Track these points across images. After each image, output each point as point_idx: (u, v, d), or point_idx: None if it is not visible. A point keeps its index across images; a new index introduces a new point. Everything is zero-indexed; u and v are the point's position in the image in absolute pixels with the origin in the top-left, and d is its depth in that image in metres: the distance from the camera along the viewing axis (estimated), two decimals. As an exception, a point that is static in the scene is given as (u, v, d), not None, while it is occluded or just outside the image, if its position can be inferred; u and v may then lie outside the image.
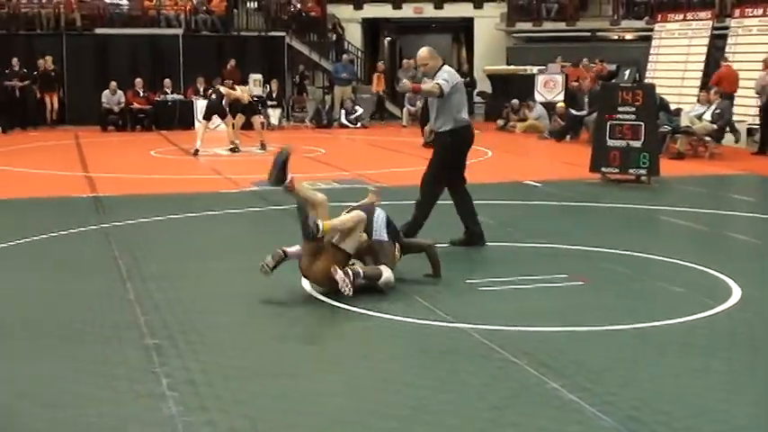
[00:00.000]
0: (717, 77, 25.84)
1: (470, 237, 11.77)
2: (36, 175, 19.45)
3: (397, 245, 9.70)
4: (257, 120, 25.36)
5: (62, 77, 32.52)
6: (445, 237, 11.55)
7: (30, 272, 10.57)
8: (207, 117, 24.45)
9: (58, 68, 32.26)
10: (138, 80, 31.86)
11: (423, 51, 11.55)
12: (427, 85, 11.43)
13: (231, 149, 23.64)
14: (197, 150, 23.18)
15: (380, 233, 9.52)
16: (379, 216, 9.60)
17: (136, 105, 31.60)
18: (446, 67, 11.49)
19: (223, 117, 24.52)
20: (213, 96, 24.14)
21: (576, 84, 29.38)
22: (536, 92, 32.12)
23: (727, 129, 23.15)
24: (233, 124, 24.40)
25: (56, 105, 32.03)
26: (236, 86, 26.03)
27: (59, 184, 17.89)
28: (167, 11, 35.07)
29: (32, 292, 9.57)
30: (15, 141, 26.65)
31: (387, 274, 9.32)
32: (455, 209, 11.86)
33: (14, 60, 30.90)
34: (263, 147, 23.88)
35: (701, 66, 28.17)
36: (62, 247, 11.91)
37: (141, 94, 31.77)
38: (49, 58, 31.68)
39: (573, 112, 27.66)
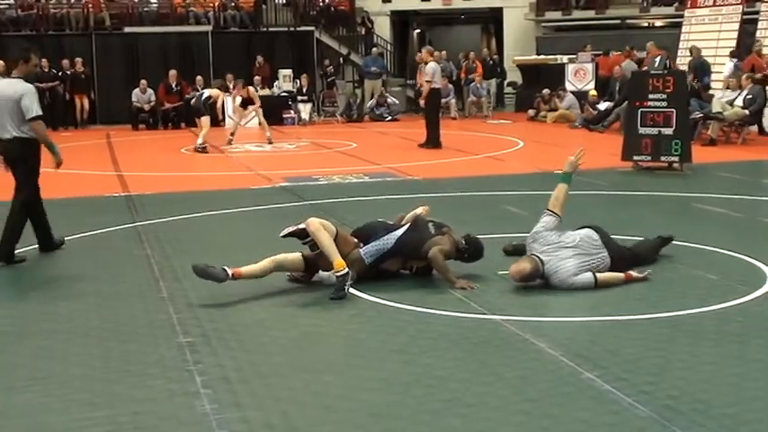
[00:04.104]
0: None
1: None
2: (68, 175, 19.45)
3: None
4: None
5: (92, 78, 32.59)
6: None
7: (62, 271, 10.61)
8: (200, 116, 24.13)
9: (88, 70, 32.35)
10: (173, 72, 31.80)
11: None
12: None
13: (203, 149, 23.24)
14: (204, 147, 23.15)
15: (366, 253, 9.55)
16: (384, 245, 9.60)
17: (167, 104, 31.52)
18: None
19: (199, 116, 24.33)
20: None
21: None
22: (567, 81, 32.04)
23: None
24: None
25: (86, 106, 32.10)
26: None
27: (91, 183, 17.96)
28: (196, 8, 35.14)
29: (65, 291, 9.60)
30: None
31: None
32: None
33: (44, 62, 30.97)
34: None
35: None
36: (95, 247, 11.96)
37: (174, 88, 31.71)
38: (78, 60, 31.75)
39: (599, 107, 27.57)
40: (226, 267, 9.10)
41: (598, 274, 9.23)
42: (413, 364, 7.09)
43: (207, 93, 24.44)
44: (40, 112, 11.07)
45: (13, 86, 11.05)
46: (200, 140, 23.18)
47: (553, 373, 6.78)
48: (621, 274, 9.34)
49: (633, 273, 9.41)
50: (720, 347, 7.34)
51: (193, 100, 24.43)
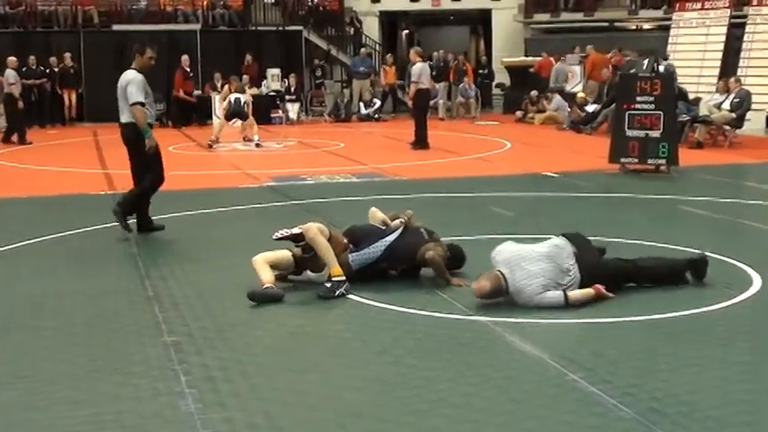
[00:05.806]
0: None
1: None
2: (55, 172, 19.49)
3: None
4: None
5: (80, 74, 32.51)
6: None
7: (49, 269, 10.58)
8: (228, 118, 24.70)
9: (77, 66, 32.28)
10: (185, 57, 31.58)
11: None
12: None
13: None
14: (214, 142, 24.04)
15: (354, 260, 9.47)
16: (372, 254, 9.53)
17: (183, 94, 31.28)
18: None
19: (244, 119, 24.82)
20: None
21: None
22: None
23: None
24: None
25: (74, 102, 32.06)
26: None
27: (78, 181, 17.92)
28: (184, 7, 35.08)
29: (51, 289, 9.58)
30: (34, 139, 26.51)
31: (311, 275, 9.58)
32: None
33: (32, 58, 30.93)
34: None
35: (720, 55, 28.02)
36: (81, 245, 11.93)
37: (190, 73, 31.51)
38: (67, 56, 31.67)
39: (587, 108, 27.59)
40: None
41: (569, 293, 8.66)
42: (398, 365, 7.08)
43: (243, 97, 24.74)
44: (141, 99, 12.44)
45: (126, 76, 12.57)
46: (256, 137, 24.67)
47: (538, 375, 6.78)
48: (591, 290, 8.74)
49: (602, 288, 8.77)
50: (705, 350, 7.35)
51: (233, 106, 24.52)
